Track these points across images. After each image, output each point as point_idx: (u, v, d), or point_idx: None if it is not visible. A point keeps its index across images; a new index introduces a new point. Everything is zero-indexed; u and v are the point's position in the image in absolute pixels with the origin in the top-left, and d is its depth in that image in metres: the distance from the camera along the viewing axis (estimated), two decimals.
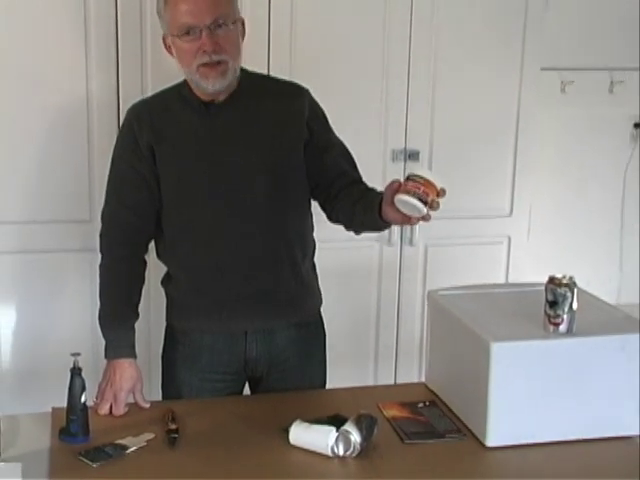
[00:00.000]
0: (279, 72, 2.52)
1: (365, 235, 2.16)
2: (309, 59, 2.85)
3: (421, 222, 1.85)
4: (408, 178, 1.80)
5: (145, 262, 2.18)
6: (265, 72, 2.58)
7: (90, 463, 1.77)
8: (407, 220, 1.85)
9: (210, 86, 2.02)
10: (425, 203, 1.77)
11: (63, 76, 2.74)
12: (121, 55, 2.75)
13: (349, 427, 1.82)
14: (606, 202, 3.55)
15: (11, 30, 2.67)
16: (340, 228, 2.13)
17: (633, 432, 1.94)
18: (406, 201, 1.78)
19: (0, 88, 2.69)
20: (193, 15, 1.97)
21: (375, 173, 2.28)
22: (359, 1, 2.91)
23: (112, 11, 2.72)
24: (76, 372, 1.88)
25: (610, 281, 3.53)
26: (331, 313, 2.33)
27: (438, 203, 1.79)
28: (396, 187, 1.81)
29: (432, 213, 1.81)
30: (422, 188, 1.77)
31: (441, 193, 1.79)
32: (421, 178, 1.78)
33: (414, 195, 1.77)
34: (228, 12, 2.01)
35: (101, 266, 2.17)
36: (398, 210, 1.82)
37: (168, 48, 2.08)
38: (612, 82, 3.42)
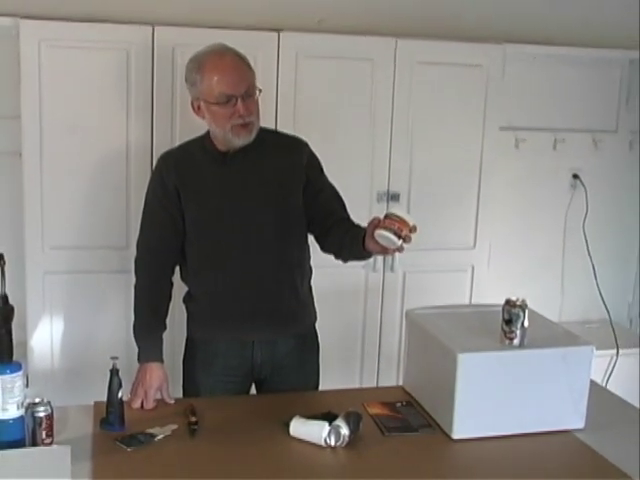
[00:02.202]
0: (285, 127, 2.54)
1: (353, 263, 2.16)
2: (309, 117, 2.85)
3: (396, 253, 1.85)
4: (386, 216, 1.81)
5: (172, 283, 2.17)
6: (273, 127, 2.59)
7: (125, 447, 1.78)
8: (384, 251, 1.85)
9: (240, 141, 2.04)
10: (399, 237, 1.78)
11: (108, 129, 2.74)
12: (155, 113, 2.75)
13: (339, 422, 1.81)
14: (551, 237, 3.53)
15: (71, 94, 2.69)
16: (332, 257, 2.13)
17: (571, 427, 1.94)
18: (383, 235, 1.78)
19: (59, 138, 2.70)
20: (230, 86, 1.98)
21: (363, 211, 2.28)
22: (350, 70, 2.92)
23: (149, 78, 2.73)
24: (114, 372, 1.89)
25: (554, 302, 3.51)
26: (325, 327, 2.30)
27: (410, 237, 1.79)
28: (376, 223, 1.82)
29: (407, 245, 1.81)
30: (397, 225, 1.77)
31: (413, 229, 1.79)
32: (397, 216, 1.79)
33: (390, 230, 1.78)
34: (253, 83, 2.04)
35: (135, 286, 2.17)
36: (377, 242, 1.82)
37: (197, 110, 2.06)
38: (555, 140, 3.42)
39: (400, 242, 1.79)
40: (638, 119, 3.54)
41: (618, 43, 3.35)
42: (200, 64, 2.03)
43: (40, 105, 2.66)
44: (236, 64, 2.02)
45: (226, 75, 1.99)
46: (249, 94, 2.01)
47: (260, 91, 2.06)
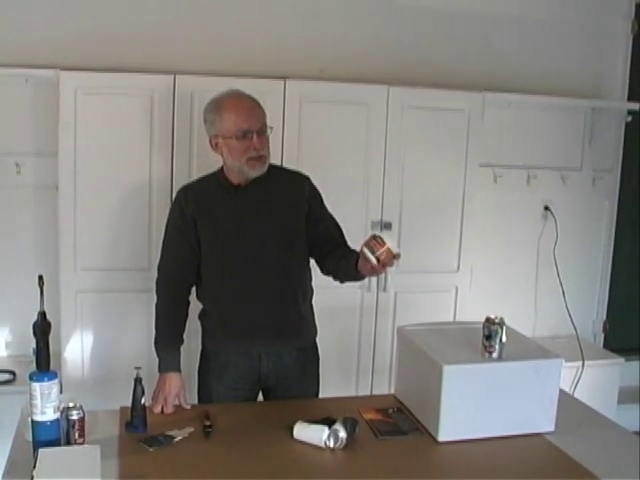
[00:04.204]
0: (290, 163, 2.57)
1: (350, 284, 2.17)
2: (311, 154, 2.86)
3: (375, 274, 1.88)
4: (374, 237, 1.84)
5: (189, 301, 2.18)
6: (279, 163, 2.61)
7: (147, 447, 1.79)
8: (365, 266, 1.87)
9: (255, 173, 2.07)
10: (377, 259, 1.81)
11: (133, 165, 2.77)
12: (175, 151, 2.78)
13: (337, 426, 1.82)
14: (525, 262, 3.53)
15: (102, 134, 2.72)
16: (331, 278, 2.15)
17: (542, 430, 1.95)
18: (363, 251, 1.83)
19: (91, 173, 2.72)
20: (248, 122, 2.02)
21: (358, 238, 2.28)
22: (348, 113, 2.93)
23: (170, 120, 2.76)
24: (138, 381, 1.90)
25: (528, 320, 3.50)
26: (324, 341, 2.30)
27: (392, 262, 1.83)
28: (366, 241, 1.86)
29: (394, 269, 1.84)
30: (378, 246, 1.81)
31: (397, 256, 1.82)
32: (381, 239, 1.82)
33: (370, 249, 1.81)
34: (265, 121, 2.07)
35: (156, 304, 2.18)
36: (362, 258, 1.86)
37: (214, 147, 2.09)
38: (529, 176, 3.44)
39: (375, 261, 1.81)
40: (600, 159, 3.59)
41: (582, 93, 3.45)
42: (219, 105, 2.07)
43: (75, 144, 2.69)
44: (251, 104, 2.07)
45: (244, 113, 2.04)
46: (262, 131, 2.04)
47: (271, 129, 2.09)
